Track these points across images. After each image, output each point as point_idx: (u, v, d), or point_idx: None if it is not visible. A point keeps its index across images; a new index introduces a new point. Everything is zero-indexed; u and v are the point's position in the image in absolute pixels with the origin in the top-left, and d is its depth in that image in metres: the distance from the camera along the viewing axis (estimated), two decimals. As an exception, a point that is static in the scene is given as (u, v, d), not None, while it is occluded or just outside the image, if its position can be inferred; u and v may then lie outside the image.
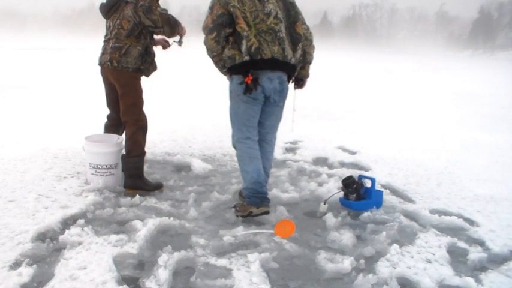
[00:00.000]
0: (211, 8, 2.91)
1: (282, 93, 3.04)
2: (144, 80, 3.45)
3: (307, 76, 3.24)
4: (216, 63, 3.01)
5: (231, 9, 2.85)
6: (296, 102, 3.45)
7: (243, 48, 2.87)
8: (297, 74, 3.18)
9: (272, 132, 3.19)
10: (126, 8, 3.26)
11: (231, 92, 3.02)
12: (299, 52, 3.05)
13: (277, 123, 3.19)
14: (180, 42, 3.54)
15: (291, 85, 3.22)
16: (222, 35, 2.89)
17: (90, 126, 4.18)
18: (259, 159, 3.00)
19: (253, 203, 2.90)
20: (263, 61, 2.88)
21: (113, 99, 3.51)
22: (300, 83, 3.26)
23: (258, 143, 3.10)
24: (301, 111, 7.39)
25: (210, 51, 2.96)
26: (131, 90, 3.34)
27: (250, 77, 2.84)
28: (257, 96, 2.92)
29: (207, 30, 2.91)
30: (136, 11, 3.21)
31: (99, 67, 3.45)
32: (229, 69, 2.95)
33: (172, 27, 3.30)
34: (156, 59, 3.49)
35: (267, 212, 2.92)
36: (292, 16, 3.01)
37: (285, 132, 5.44)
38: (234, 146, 3.12)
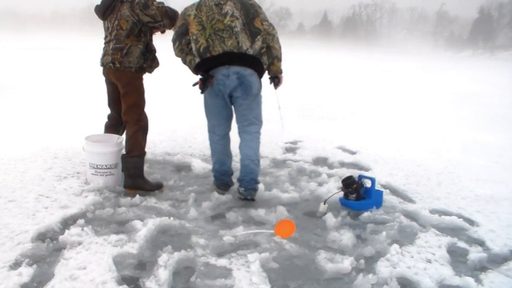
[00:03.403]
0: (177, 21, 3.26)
1: (243, 88, 3.14)
2: (144, 79, 3.45)
3: (280, 72, 3.35)
4: (190, 69, 3.30)
5: (186, 18, 3.18)
6: (279, 99, 3.60)
7: (194, 50, 3.17)
8: (269, 72, 3.33)
9: (253, 124, 3.28)
10: (123, 7, 3.24)
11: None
12: (258, 43, 3.16)
13: (252, 114, 3.26)
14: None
15: (271, 85, 3.43)
16: (183, 43, 3.22)
17: (90, 126, 4.17)
18: (221, 153, 3.39)
19: (215, 185, 3.49)
20: (213, 58, 3.10)
21: (114, 99, 3.51)
22: (275, 80, 3.38)
23: (240, 134, 3.32)
24: (301, 111, 7.43)
25: (181, 59, 3.30)
26: (133, 90, 3.34)
27: (199, 82, 3.15)
28: (217, 93, 3.18)
29: (173, 40, 3.26)
30: (133, 10, 3.20)
31: (101, 67, 3.45)
32: (193, 71, 3.27)
33: (172, 18, 3.30)
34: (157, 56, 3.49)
35: (222, 193, 3.38)
36: (251, 13, 3.17)
37: (284, 132, 5.45)
38: None
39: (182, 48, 3.24)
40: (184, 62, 3.30)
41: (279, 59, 3.28)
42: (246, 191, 3.23)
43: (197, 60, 3.17)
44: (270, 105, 3.71)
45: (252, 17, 3.15)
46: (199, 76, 3.22)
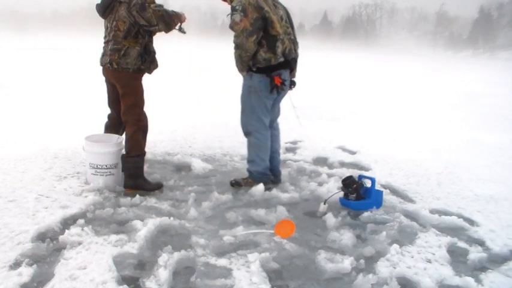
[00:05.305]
0: (244, 11, 3.12)
1: (287, 89, 3.48)
2: (143, 79, 3.45)
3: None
4: (244, 62, 3.27)
5: (266, 14, 3.16)
6: (293, 99, 3.75)
7: (279, 50, 3.24)
8: (292, 76, 3.56)
9: (277, 119, 3.69)
10: (120, 8, 3.22)
11: (249, 87, 3.34)
12: (298, 52, 3.52)
13: (279, 110, 3.67)
14: (181, 30, 3.42)
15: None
16: (259, 37, 3.19)
17: (90, 126, 4.18)
18: (270, 149, 3.54)
19: (263, 182, 3.48)
20: (290, 61, 3.33)
21: (114, 99, 3.51)
22: (294, 83, 3.61)
23: (270, 130, 3.57)
24: (301, 111, 7.42)
25: (245, 51, 3.20)
26: (132, 90, 3.33)
27: (280, 80, 3.25)
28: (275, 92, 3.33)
29: (247, 32, 3.14)
30: (130, 11, 3.18)
31: (101, 67, 3.45)
32: (262, 69, 3.26)
33: (168, 23, 3.24)
34: (157, 57, 3.49)
35: (270, 189, 3.48)
36: (292, 24, 3.49)
37: (286, 131, 5.45)
38: (248, 133, 3.48)
39: (256, 43, 3.18)
40: (250, 55, 3.21)
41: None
42: (276, 177, 3.69)
43: (281, 60, 3.26)
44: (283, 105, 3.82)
45: (292, 27, 3.48)
46: (266, 75, 3.29)
